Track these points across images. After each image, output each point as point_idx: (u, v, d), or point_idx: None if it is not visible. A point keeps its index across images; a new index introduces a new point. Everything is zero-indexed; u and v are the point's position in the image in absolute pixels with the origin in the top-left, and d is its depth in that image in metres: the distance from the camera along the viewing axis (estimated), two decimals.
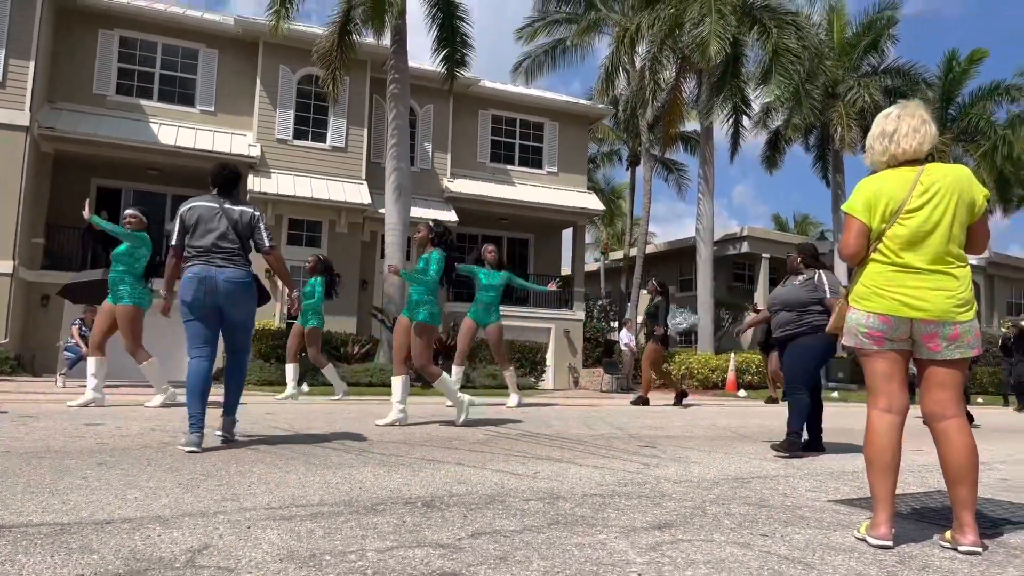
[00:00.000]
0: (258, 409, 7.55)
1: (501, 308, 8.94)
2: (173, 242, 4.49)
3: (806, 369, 5.31)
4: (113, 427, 5.29)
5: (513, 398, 9.05)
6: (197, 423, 4.26)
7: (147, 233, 7.56)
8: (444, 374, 6.46)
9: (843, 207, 2.75)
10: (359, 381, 12.98)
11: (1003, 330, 15.76)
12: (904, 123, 2.65)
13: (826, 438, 6.35)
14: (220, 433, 4.58)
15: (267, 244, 4.64)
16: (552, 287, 9.88)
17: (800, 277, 5.60)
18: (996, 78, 48.36)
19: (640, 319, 11.08)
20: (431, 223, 6.55)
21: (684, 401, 11.12)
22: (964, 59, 26.24)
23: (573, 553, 2.27)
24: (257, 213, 4.67)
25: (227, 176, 4.68)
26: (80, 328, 11.98)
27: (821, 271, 5.56)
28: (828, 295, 5.32)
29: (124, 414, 6.46)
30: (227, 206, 4.54)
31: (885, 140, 2.68)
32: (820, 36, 22.27)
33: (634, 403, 10.76)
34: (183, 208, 4.53)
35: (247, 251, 4.61)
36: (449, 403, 8.64)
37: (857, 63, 23.94)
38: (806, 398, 5.25)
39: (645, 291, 11.39)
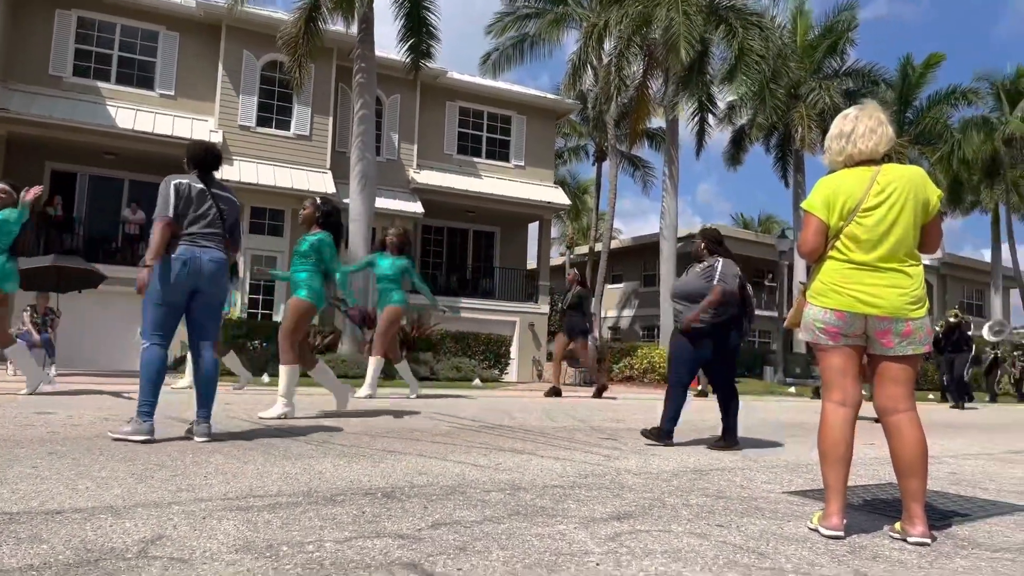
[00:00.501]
0: (217, 399, 7.41)
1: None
2: (168, 212, 4.16)
3: (690, 363, 5.08)
4: (64, 416, 5.16)
5: (413, 386, 8.78)
6: (151, 412, 4.09)
7: (17, 209, 6.39)
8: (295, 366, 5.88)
9: (802, 205, 2.80)
10: None
11: (936, 328, 16.03)
12: (861, 124, 2.71)
13: (785, 433, 6.47)
14: (203, 439, 4.23)
15: (239, 242, 4.52)
16: (449, 312, 9.65)
17: (700, 265, 5.29)
18: (956, 81, 49.72)
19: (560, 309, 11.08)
20: (318, 200, 6.22)
21: (604, 395, 11.10)
22: (921, 63, 26.88)
23: (533, 543, 2.28)
24: (239, 203, 4.54)
25: (214, 157, 4.48)
26: (32, 315, 11.65)
27: (721, 259, 5.23)
28: (715, 282, 5.02)
29: (76, 403, 6.30)
30: (216, 191, 4.38)
31: (843, 140, 2.73)
32: (784, 38, 22.61)
33: (547, 394, 10.63)
34: (176, 181, 4.28)
35: (226, 241, 4.45)
36: (411, 396, 8.65)
37: (818, 65, 24.37)
38: (685, 393, 5.07)
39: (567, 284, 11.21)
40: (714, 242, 5.36)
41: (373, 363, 8.53)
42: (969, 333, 13.96)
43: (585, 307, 11.05)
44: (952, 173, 27.41)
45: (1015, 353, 17.14)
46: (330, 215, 6.13)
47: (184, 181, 4.32)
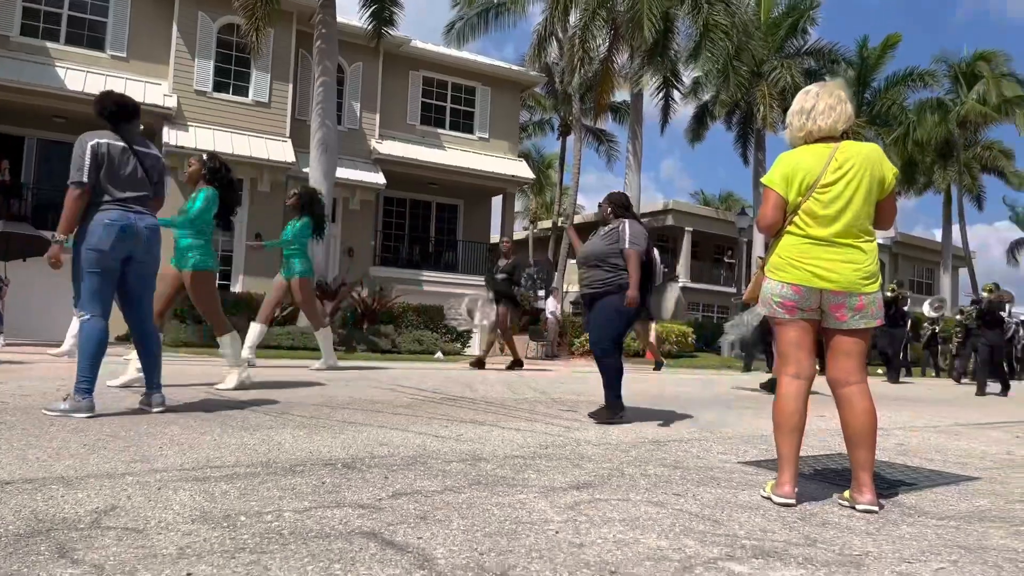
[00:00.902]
0: (172, 370, 7.29)
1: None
2: (84, 178, 3.85)
3: (617, 330, 4.87)
4: (14, 386, 5.02)
5: (324, 360, 8.36)
6: (90, 388, 3.86)
7: None
8: (233, 332, 5.91)
9: (762, 180, 2.83)
10: (280, 344, 12.71)
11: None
12: (822, 101, 2.74)
13: (742, 404, 6.62)
14: (159, 409, 4.14)
15: (162, 193, 4.28)
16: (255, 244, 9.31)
17: (605, 228, 5.08)
18: (917, 63, 50.64)
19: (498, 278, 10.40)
20: (204, 156, 5.69)
21: (516, 368, 10.54)
22: (879, 45, 27.28)
23: (493, 512, 2.29)
24: (166, 161, 4.35)
25: (131, 108, 4.19)
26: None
27: (626, 220, 5.00)
28: (627, 246, 4.81)
29: (25, 373, 6.14)
30: (138, 148, 4.10)
31: (803, 117, 2.76)
32: (748, 15, 22.71)
33: (509, 367, 10.47)
34: (92, 141, 3.97)
35: (147, 196, 4.15)
36: (318, 367, 8.36)
37: (781, 44, 24.57)
38: (619, 360, 4.88)
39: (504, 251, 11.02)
40: (620, 206, 5.17)
41: (321, 336, 8.42)
42: (906, 308, 14.33)
43: (516, 276, 10.75)
44: (906, 154, 28.04)
45: (956, 329, 17.56)
46: (216, 172, 5.58)
47: (103, 141, 4.02)
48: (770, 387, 8.45)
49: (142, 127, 4.51)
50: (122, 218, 3.94)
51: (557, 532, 2.11)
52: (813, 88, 2.81)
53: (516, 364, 10.64)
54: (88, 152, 3.93)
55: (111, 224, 3.90)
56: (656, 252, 5.21)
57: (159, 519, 2.04)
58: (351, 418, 4.32)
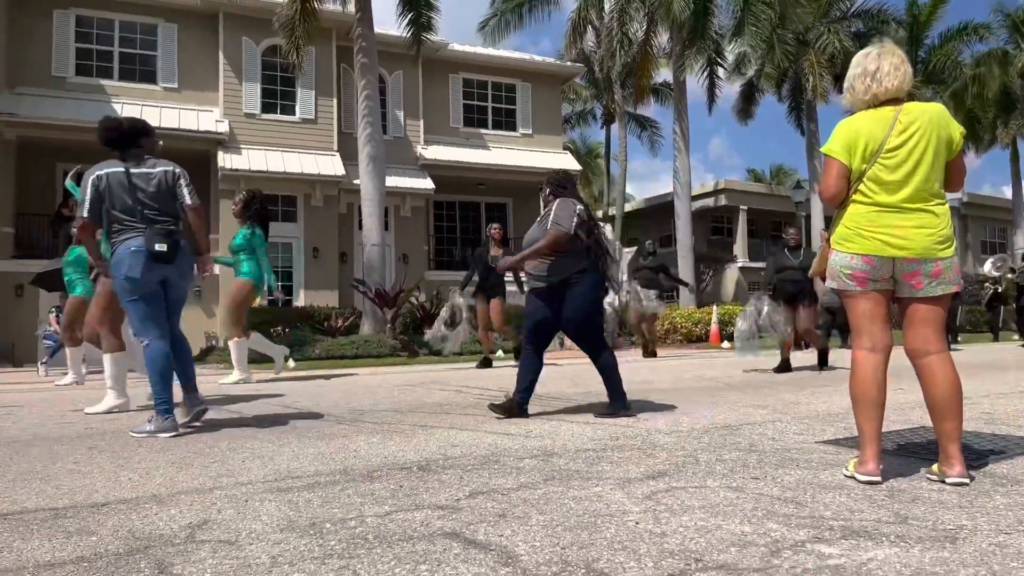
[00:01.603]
0: (246, 386, 7.51)
1: None
2: (84, 212, 4.03)
3: (596, 320, 4.53)
4: (99, 418, 5.24)
5: (236, 374, 7.78)
6: (169, 408, 3.99)
7: None
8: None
9: (822, 149, 2.74)
10: (344, 353, 12.96)
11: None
12: (886, 62, 2.64)
13: (815, 382, 6.46)
14: (200, 408, 4.28)
15: (188, 200, 4.24)
16: (278, 296, 9.45)
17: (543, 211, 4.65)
18: (972, 15, 48.48)
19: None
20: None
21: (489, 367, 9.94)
22: (928, 2, 26.21)
23: (571, 506, 2.29)
24: (178, 170, 4.27)
25: (124, 132, 4.21)
26: (58, 316, 11.82)
27: (558, 200, 4.50)
28: (549, 226, 4.34)
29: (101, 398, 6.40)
30: (134, 171, 4.12)
31: (867, 79, 2.66)
32: None
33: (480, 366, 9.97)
34: (93, 175, 4.08)
35: (176, 215, 4.23)
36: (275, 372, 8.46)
37: (827, 8, 23.84)
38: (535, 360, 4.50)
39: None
40: (558, 186, 4.68)
41: (233, 346, 7.90)
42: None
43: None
44: (966, 110, 26.87)
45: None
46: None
47: (103, 172, 4.10)
48: (823, 361, 8.51)
49: (161, 143, 4.59)
50: (147, 243, 4.01)
51: (637, 523, 2.10)
52: (872, 50, 2.71)
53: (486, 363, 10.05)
54: (88, 186, 4.09)
55: (137, 251, 4.01)
56: (604, 230, 4.83)
57: (250, 530, 2.10)
58: (422, 421, 4.38)
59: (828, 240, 2.77)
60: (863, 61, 2.69)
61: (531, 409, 4.67)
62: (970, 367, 8.22)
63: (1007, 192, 31.45)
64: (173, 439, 3.87)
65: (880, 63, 2.64)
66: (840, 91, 19.61)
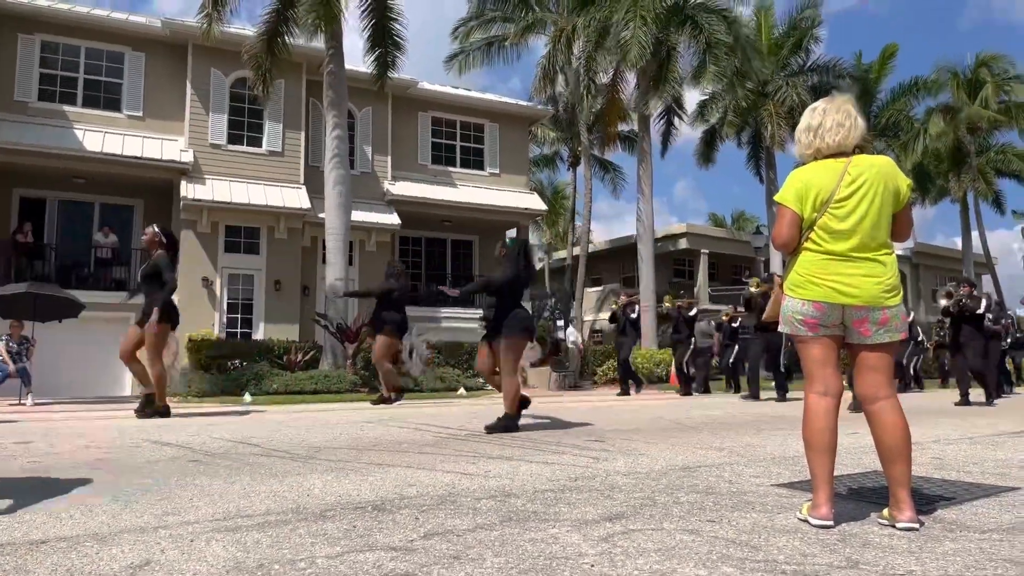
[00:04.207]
0: (199, 420, 7.34)
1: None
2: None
3: None
4: (45, 446, 5.07)
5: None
6: None
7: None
8: None
9: (775, 197, 2.80)
10: (303, 389, 12.75)
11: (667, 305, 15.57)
12: (829, 118, 2.73)
13: (772, 425, 6.53)
14: None
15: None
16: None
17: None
18: (923, 71, 50.55)
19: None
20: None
21: (394, 401, 9.89)
22: (876, 58, 27.39)
23: (527, 548, 2.27)
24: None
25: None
26: (7, 344, 11.44)
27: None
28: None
29: (56, 431, 6.19)
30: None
31: (810, 134, 2.76)
32: (750, 36, 22.94)
33: (375, 403, 10.00)
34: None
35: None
36: None
37: (784, 62, 24.72)
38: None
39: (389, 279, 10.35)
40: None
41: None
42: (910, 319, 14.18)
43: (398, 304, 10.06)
44: (919, 163, 27.90)
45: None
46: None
47: None
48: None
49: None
50: None
51: (592, 566, 2.08)
52: (820, 104, 2.81)
53: (384, 400, 9.95)
54: None
55: None
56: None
57: (194, 572, 2.03)
58: (378, 459, 4.32)
59: (781, 285, 2.83)
60: (808, 116, 2.79)
61: (491, 451, 4.63)
62: (919, 412, 8.40)
63: (959, 243, 32.51)
64: (122, 472, 3.74)
65: (824, 119, 2.73)
66: None
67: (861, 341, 2.66)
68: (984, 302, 10.30)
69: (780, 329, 2.82)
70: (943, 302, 10.75)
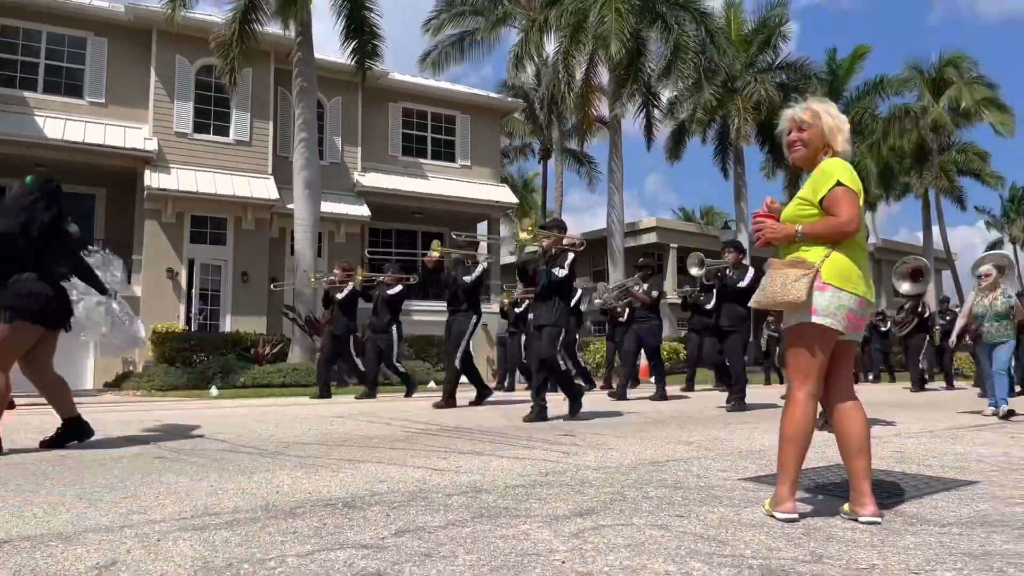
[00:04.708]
0: (164, 415, 7.23)
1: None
2: None
3: None
4: (6, 441, 4.94)
5: None
6: None
7: None
8: None
9: (845, 182, 2.63)
10: (271, 382, 12.62)
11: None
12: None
13: (737, 419, 6.61)
14: None
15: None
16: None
17: None
18: (891, 68, 51.42)
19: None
20: None
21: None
22: (848, 56, 27.77)
23: (498, 545, 2.28)
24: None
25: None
26: None
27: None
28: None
29: (12, 426, 6.05)
30: None
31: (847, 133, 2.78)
32: (720, 33, 23.10)
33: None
34: None
35: None
36: None
37: (753, 59, 24.96)
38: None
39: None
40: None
41: None
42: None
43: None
44: (883, 160, 28.43)
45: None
46: None
47: None
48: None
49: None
50: None
51: (563, 562, 2.10)
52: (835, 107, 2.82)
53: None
54: None
55: None
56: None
57: (160, 572, 2.01)
58: (348, 455, 4.29)
59: (815, 272, 2.64)
60: (842, 116, 2.78)
61: (462, 446, 4.63)
62: (885, 406, 8.58)
63: (921, 237, 33.19)
64: (86, 469, 3.68)
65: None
66: (764, 138, 20.22)
67: (852, 337, 2.71)
68: (749, 274, 8.13)
69: (817, 320, 2.60)
70: (694, 271, 8.62)
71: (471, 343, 8.39)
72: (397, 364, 10.16)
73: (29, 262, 4.31)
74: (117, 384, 13.79)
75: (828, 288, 2.60)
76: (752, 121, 23.12)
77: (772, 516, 2.65)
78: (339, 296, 10.27)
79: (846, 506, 2.68)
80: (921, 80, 28.91)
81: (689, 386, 12.05)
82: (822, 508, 2.85)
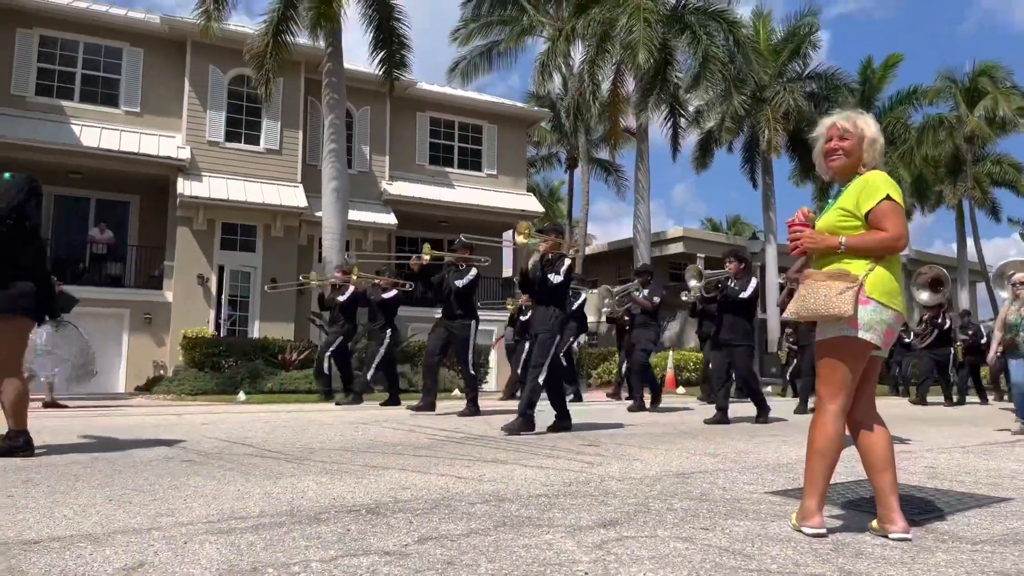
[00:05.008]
0: (193, 419, 7.32)
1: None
2: None
3: None
4: (38, 442, 5.04)
5: None
6: None
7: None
8: None
9: (894, 196, 2.58)
10: (298, 388, 12.73)
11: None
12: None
13: (765, 432, 6.53)
14: None
15: None
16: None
17: None
18: (922, 76, 50.61)
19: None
20: None
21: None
22: (880, 64, 27.39)
23: (520, 554, 2.27)
24: None
25: None
26: None
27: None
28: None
29: (46, 428, 6.17)
30: None
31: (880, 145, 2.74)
32: (749, 42, 22.92)
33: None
34: None
35: None
36: None
37: (782, 69, 24.74)
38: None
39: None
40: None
41: None
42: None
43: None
44: (916, 170, 27.98)
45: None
46: None
47: None
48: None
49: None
50: None
51: (586, 573, 2.08)
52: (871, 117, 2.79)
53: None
54: None
55: None
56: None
57: (187, 574, 2.03)
58: (372, 462, 4.31)
59: (860, 285, 2.58)
60: (879, 128, 2.75)
61: (486, 454, 4.62)
62: (919, 421, 8.42)
63: (954, 249, 32.57)
64: (117, 472, 3.74)
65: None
66: (795, 147, 19.89)
67: (881, 354, 2.67)
68: (752, 285, 7.76)
69: (863, 335, 2.55)
70: (692, 282, 8.25)
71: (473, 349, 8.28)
72: (374, 368, 9.66)
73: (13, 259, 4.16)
74: (148, 388, 14.00)
75: (871, 303, 2.55)
76: (782, 131, 22.89)
77: (799, 531, 2.61)
78: (340, 299, 10.27)
79: (875, 522, 2.63)
80: (956, 89, 28.42)
81: (714, 398, 11.78)
82: (851, 523, 2.80)
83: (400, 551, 2.30)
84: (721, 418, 7.55)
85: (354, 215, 17.11)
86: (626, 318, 11.48)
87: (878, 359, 2.69)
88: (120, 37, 16.90)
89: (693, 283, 8.27)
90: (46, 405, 8.93)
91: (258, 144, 17.64)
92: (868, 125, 2.71)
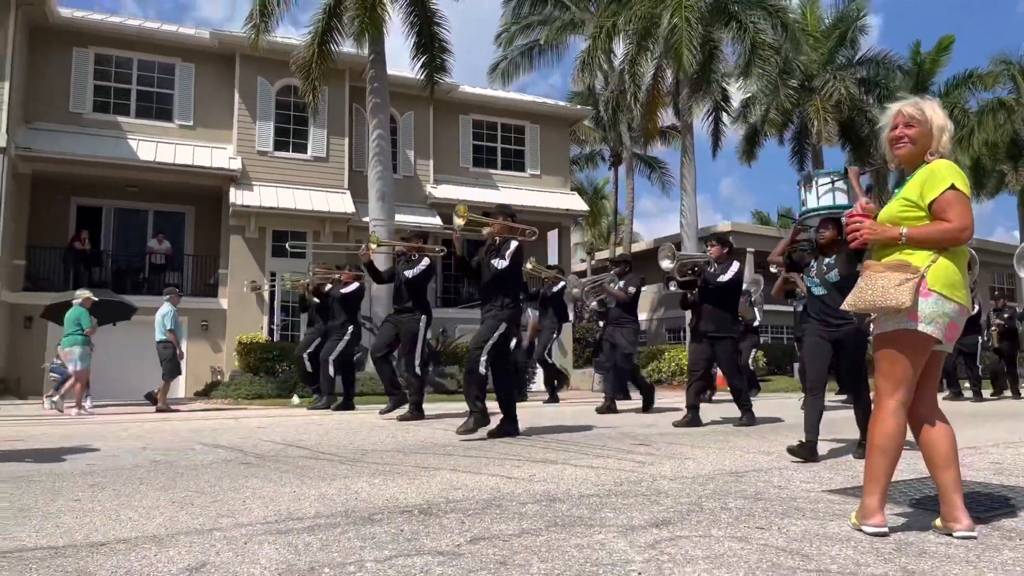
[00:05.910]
0: (249, 422, 7.50)
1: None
2: None
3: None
4: (104, 448, 5.24)
5: None
6: None
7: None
8: None
9: (959, 186, 2.51)
10: None
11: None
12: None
13: (826, 430, 6.39)
14: None
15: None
16: None
17: None
18: (975, 63, 48.83)
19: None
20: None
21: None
22: (932, 49, 26.53)
23: (572, 554, 2.27)
24: None
25: None
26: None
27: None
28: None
29: (113, 434, 6.39)
30: None
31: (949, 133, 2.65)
32: (798, 21, 22.38)
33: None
34: None
35: None
36: None
37: (831, 56, 24.15)
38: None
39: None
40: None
41: None
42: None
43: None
44: (975, 156, 27.02)
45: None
46: None
47: None
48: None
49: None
50: None
51: (640, 573, 2.07)
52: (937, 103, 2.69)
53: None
54: None
55: None
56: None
57: (248, 574, 2.09)
58: (424, 462, 4.36)
59: (921, 277, 2.51)
60: (945, 115, 2.65)
61: (535, 454, 4.63)
62: (984, 416, 8.13)
63: (1017, 236, 31.33)
64: (178, 475, 3.85)
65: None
66: (846, 137, 19.39)
67: (945, 348, 2.58)
68: (733, 268, 7.20)
69: (923, 328, 2.47)
70: (665, 263, 7.48)
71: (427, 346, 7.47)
72: (331, 366, 9.44)
73: None
74: (206, 393, 14.37)
75: (932, 295, 2.46)
76: (833, 121, 22.34)
77: (860, 530, 2.54)
78: (343, 291, 10.04)
79: (938, 520, 2.56)
80: (1014, 71, 27.33)
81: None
82: (914, 522, 2.72)
83: (453, 551, 2.32)
84: (692, 419, 6.77)
85: (400, 218, 17.29)
86: (600, 311, 10.58)
87: (941, 354, 2.61)
88: (172, 53, 17.41)
89: (665, 264, 7.43)
90: (158, 410, 9.61)
91: (306, 152, 17.97)
92: (936, 112, 2.62)
